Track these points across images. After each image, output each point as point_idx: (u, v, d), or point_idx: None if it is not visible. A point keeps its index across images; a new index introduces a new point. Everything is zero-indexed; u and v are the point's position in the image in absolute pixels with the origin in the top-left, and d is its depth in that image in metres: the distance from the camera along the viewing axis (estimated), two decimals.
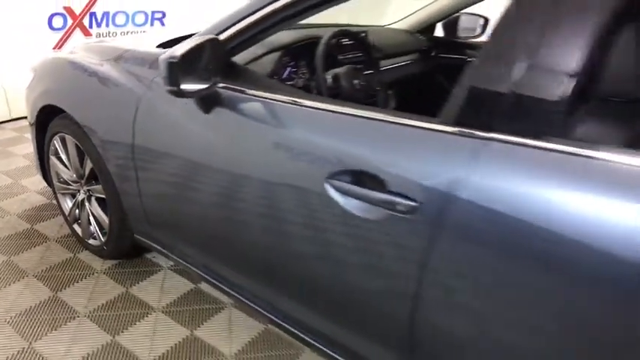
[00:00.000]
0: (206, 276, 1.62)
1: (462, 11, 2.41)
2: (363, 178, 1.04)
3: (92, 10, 3.83)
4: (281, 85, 1.55)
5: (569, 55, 0.86)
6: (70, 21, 3.74)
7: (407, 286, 1.02)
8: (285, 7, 1.23)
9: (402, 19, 2.54)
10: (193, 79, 1.23)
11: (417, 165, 0.98)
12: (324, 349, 1.32)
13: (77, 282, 1.95)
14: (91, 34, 3.88)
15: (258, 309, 1.47)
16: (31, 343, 1.64)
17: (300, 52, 1.73)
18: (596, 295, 0.81)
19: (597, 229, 0.78)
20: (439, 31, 2.54)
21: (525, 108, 0.89)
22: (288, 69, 1.73)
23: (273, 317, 1.43)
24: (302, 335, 1.37)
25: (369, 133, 1.08)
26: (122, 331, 1.70)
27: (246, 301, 1.50)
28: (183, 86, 1.21)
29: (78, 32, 3.82)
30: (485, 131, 0.91)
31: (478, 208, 0.90)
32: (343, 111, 1.13)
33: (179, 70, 1.16)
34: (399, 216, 0.99)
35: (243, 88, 1.32)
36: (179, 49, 1.17)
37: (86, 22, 3.84)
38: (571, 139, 0.85)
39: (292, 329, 1.39)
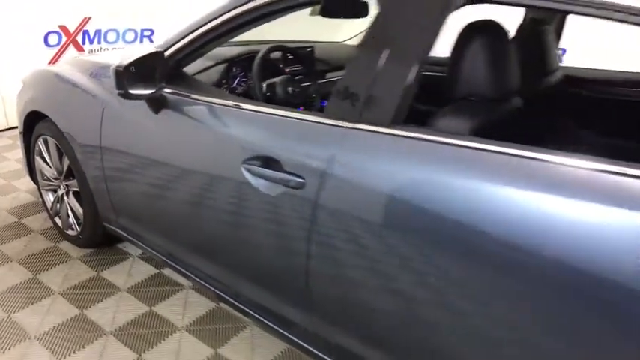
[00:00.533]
0: (161, 256, 1.87)
1: None
2: (268, 161, 1.30)
3: (85, 29, 4.15)
4: (217, 90, 1.82)
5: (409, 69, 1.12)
6: (64, 38, 4.06)
7: (301, 247, 1.27)
8: (219, 25, 1.51)
9: (355, 36, 2.83)
10: (140, 85, 1.51)
11: (303, 149, 1.25)
12: (258, 317, 1.55)
13: (55, 266, 2.20)
14: (84, 50, 4.19)
15: (204, 283, 1.72)
16: (10, 314, 1.88)
17: (244, 64, 2.01)
18: (442, 254, 1.05)
19: (430, 198, 1.04)
20: None
21: (380, 105, 1.15)
22: (237, 78, 2.01)
23: (220, 293, 1.67)
24: (240, 305, 1.61)
25: (275, 126, 1.35)
26: (89, 307, 1.95)
27: (195, 278, 1.75)
28: (132, 90, 1.48)
29: (72, 48, 4.13)
30: (352, 122, 1.17)
31: (347, 181, 1.16)
32: (258, 109, 1.40)
33: (124, 77, 1.43)
34: (292, 191, 1.24)
35: (186, 93, 1.59)
36: (125, 60, 1.44)
37: (80, 39, 4.15)
38: (430, 129, 1.11)
39: (235, 302, 1.63)
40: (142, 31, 4.43)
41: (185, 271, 1.78)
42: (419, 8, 1.13)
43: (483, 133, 1.09)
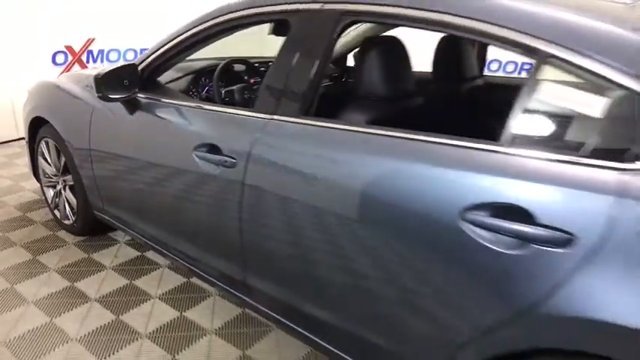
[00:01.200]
0: (140, 236, 2.21)
1: None
2: (211, 147, 1.64)
3: (89, 49, 4.59)
4: (182, 95, 2.18)
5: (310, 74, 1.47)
6: (70, 57, 4.50)
7: (235, 213, 1.60)
8: (181, 42, 1.88)
9: None
10: (118, 90, 1.88)
11: (235, 136, 1.60)
12: (214, 281, 1.89)
13: (52, 250, 2.56)
14: (88, 68, 4.63)
15: (176, 259, 2.05)
16: (12, 285, 2.24)
17: (210, 75, 2.38)
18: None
19: (328, 172, 1.37)
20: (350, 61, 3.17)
21: (292, 101, 1.50)
22: (205, 86, 2.38)
23: (186, 264, 2.00)
24: (203, 274, 1.94)
25: (219, 120, 1.71)
26: (79, 280, 2.30)
27: (170, 255, 2.08)
28: (110, 94, 1.86)
29: (77, 67, 4.56)
30: (271, 114, 1.52)
31: (265, 160, 1.50)
32: (212, 109, 1.76)
33: (102, 83, 1.81)
34: (228, 169, 1.59)
35: (157, 97, 1.95)
36: (103, 71, 1.82)
37: (84, 58, 4.59)
38: (333, 120, 1.45)
39: (196, 270, 1.97)
40: (142, 50, 4.86)
41: (161, 250, 2.11)
42: (316, 32, 1.48)
43: (378, 123, 1.40)
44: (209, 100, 2.31)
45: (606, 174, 0.96)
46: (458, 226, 1.09)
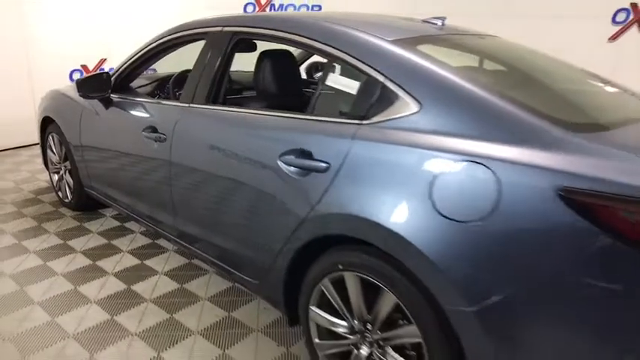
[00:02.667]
0: (116, 205, 2.89)
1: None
2: (152, 129, 2.31)
3: (101, 67, 5.41)
4: (143, 94, 2.84)
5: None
6: (84, 75, 5.32)
7: (167, 175, 2.25)
8: (142, 56, 2.58)
9: None
10: (95, 91, 2.59)
11: (165, 119, 2.26)
12: (163, 232, 2.53)
13: (53, 220, 3.27)
14: None
15: (147, 223, 2.70)
16: (20, 241, 2.94)
17: (166, 81, 3.06)
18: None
19: (216, 139, 2.01)
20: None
21: (202, 93, 2.15)
22: (167, 90, 3.07)
23: (148, 224, 2.65)
24: (156, 229, 2.58)
25: (161, 110, 2.37)
26: (70, 240, 2.98)
27: (143, 220, 2.73)
28: (89, 94, 2.56)
29: None
30: (188, 103, 2.18)
31: (183, 135, 2.15)
32: (162, 103, 2.43)
33: (82, 85, 2.51)
34: (161, 144, 2.24)
35: (124, 96, 2.65)
36: (84, 76, 2.52)
37: None
38: (232, 107, 2.09)
39: (154, 227, 2.61)
40: (148, 70, 5.65)
41: (130, 213, 2.77)
42: (218, 46, 2.14)
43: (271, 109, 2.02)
44: (168, 98, 3.00)
45: (349, 127, 1.57)
46: (277, 165, 1.70)
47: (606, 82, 2.00)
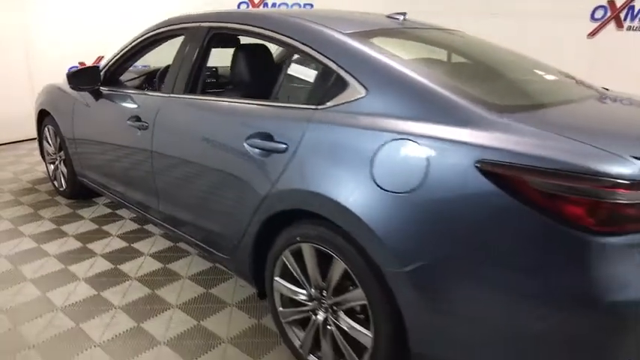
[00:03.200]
0: (105, 191, 3.06)
1: None
2: (136, 118, 2.47)
3: (98, 64, 5.58)
4: (130, 87, 3.00)
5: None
6: None
7: (149, 160, 2.42)
8: (127, 51, 2.75)
9: None
10: (84, 84, 2.75)
11: (148, 108, 2.42)
12: (149, 216, 2.69)
13: (49, 207, 3.44)
14: None
15: (135, 208, 2.86)
16: (17, 226, 3.12)
17: (154, 75, 3.22)
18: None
19: (193, 124, 2.18)
20: None
21: (180, 84, 2.31)
22: (153, 83, 3.24)
23: (134, 208, 2.81)
24: (142, 213, 2.75)
25: (144, 100, 2.54)
26: (63, 224, 3.15)
27: (129, 205, 2.90)
28: (80, 86, 2.73)
29: None
30: (169, 93, 2.34)
31: (164, 123, 2.31)
32: (146, 94, 2.59)
33: (72, 77, 2.68)
34: (144, 131, 2.41)
35: (112, 89, 2.81)
36: (74, 70, 2.69)
37: None
38: (208, 96, 2.26)
39: (140, 211, 2.78)
40: (143, 66, 5.83)
41: (122, 202, 2.93)
42: (196, 40, 2.30)
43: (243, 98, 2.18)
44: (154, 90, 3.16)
45: (306, 112, 1.72)
46: (244, 147, 1.86)
47: (557, 73, 2.15)
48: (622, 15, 4.14)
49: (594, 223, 1.21)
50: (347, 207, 1.50)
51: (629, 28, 4.09)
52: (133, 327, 2.13)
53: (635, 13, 4.05)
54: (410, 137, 1.43)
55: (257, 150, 1.82)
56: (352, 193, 1.51)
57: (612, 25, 4.22)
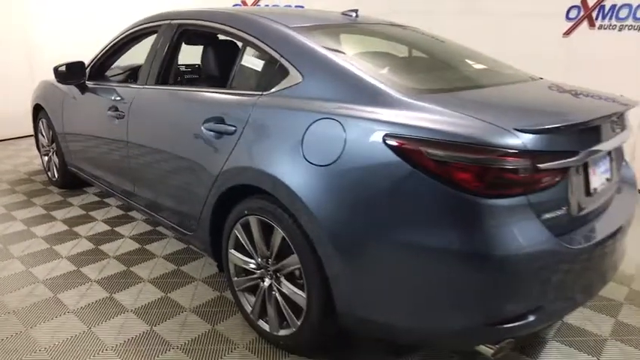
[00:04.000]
0: (96, 182, 3.26)
1: None
2: (114, 107, 2.68)
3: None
4: (114, 80, 3.20)
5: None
6: None
7: (124, 146, 2.62)
8: (108, 49, 2.97)
9: None
10: (70, 78, 2.97)
11: (125, 98, 2.63)
12: (130, 202, 2.90)
13: (41, 196, 3.67)
14: None
15: (118, 194, 3.07)
16: (9, 211, 3.34)
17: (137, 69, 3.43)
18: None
19: (159, 111, 2.39)
20: None
21: (152, 78, 2.52)
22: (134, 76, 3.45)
23: (116, 194, 3.02)
24: (128, 201, 2.96)
25: (122, 91, 2.74)
26: (54, 210, 3.37)
27: (113, 192, 3.10)
28: (65, 80, 2.95)
29: None
30: (143, 85, 2.55)
31: (136, 112, 2.52)
32: (127, 86, 2.80)
33: (58, 72, 2.91)
34: (120, 120, 2.62)
35: (97, 82, 3.03)
36: (61, 65, 2.91)
37: None
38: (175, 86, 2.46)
39: (123, 198, 2.99)
40: None
41: (107, 189, 3.14)
42: (166, 35, 2.51)
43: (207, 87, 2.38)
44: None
45: (253, 98, 1.91)
46: (201, 131, 2.06)
47: (490, 62, 2.32)
48: (594, 14, 4.27)
49: (481, 187, 1.38)
50: (282, 180, 1.68)
51: (600, 27, 4.22)
52: (105, 297, 2.33)
53: (605, 12, 4.18)
54: (333, 117, 1.61)
55: (212, 133, 2.01)
56: (286, 168, 1.69)
57: (585, 24, 4.35)
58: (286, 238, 1.77)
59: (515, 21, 4.78)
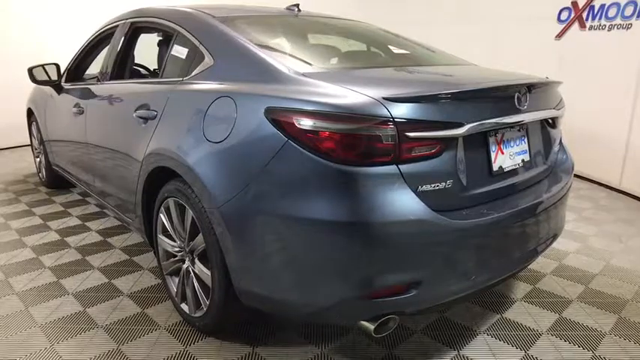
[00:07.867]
0: (72, 179, 3.41)
1: None
2: (77, 105, 2.81)
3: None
4: (87, 81, 3.35)
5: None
6: None
7: (85, 142, 2.74)
8: (82, 51, 3.13)
9: None
10: (43, 79, 3.15)
11: (86, 94, 2.75)
12: (95, 195, 3.02)
13: (30, 194, 3.86)
14: None
15: (87, 189, 3.21)
16: None
17: None
18: None
19: (113, 104, 2.50)
20: None
21: (113, 74, 2.64)
22: None
23: (90, 192, 3.15)
24: (93, 195, 3.08)
25: (86, 91, 2.88)
26: (37, 207, 3.54)
27: (83, 187, 3.24)
28: (39, 80, 3.13)
29: None
30: (101, 81, 2.67)
31: (94, 105, 2.64)
32: (82, 85, 2.95)
33: (31, 74, 3.08)
34: (81, 115, 2.74)
35: (73, 83, 3.19)
36: (35, 66, 3.09)
37: None
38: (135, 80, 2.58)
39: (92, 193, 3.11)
40: None
41: (79, 184, 3.29)
42: (121, 34, 2.63)
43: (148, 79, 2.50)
44: None
45: (174, 84, 1.98)
46: (133, 117, 2.14)
47: (414, 48, 2.33)
48: (584, 15, 4.16)
49: (348, 155, 1.37)
50: (184, 159, 1.73)
51: (591, 28, 4.10)
52: (52, 282, 2.41)
53: (595, 12, 4.06)
54: (228, 94, 1.65)
55: (140, 120, 2.09)
56: (190, 148, 1.74)
57: (576, 25, 4.24)
58: (195, 218, 1.79)
59: (508, 26, 4.71)
